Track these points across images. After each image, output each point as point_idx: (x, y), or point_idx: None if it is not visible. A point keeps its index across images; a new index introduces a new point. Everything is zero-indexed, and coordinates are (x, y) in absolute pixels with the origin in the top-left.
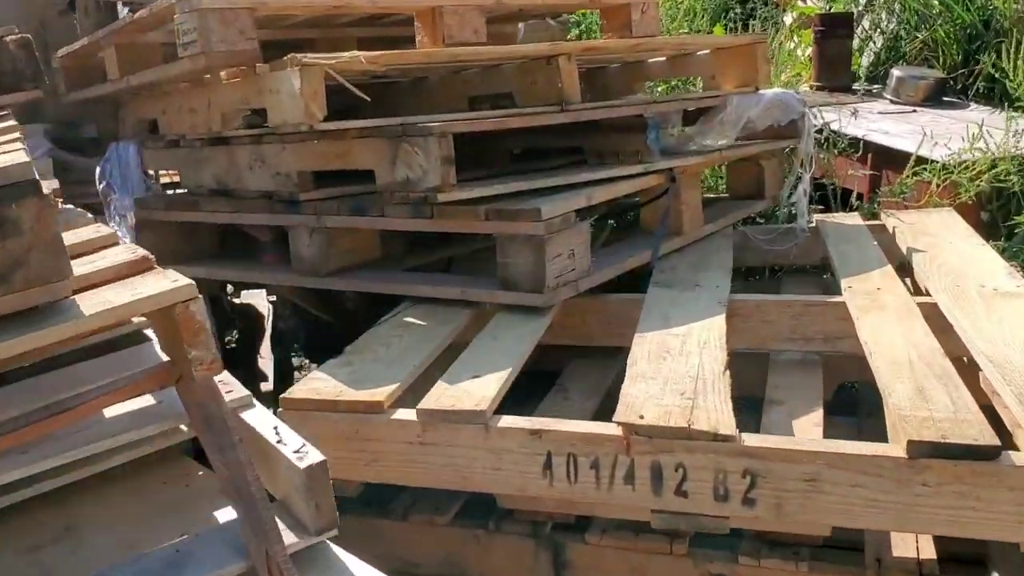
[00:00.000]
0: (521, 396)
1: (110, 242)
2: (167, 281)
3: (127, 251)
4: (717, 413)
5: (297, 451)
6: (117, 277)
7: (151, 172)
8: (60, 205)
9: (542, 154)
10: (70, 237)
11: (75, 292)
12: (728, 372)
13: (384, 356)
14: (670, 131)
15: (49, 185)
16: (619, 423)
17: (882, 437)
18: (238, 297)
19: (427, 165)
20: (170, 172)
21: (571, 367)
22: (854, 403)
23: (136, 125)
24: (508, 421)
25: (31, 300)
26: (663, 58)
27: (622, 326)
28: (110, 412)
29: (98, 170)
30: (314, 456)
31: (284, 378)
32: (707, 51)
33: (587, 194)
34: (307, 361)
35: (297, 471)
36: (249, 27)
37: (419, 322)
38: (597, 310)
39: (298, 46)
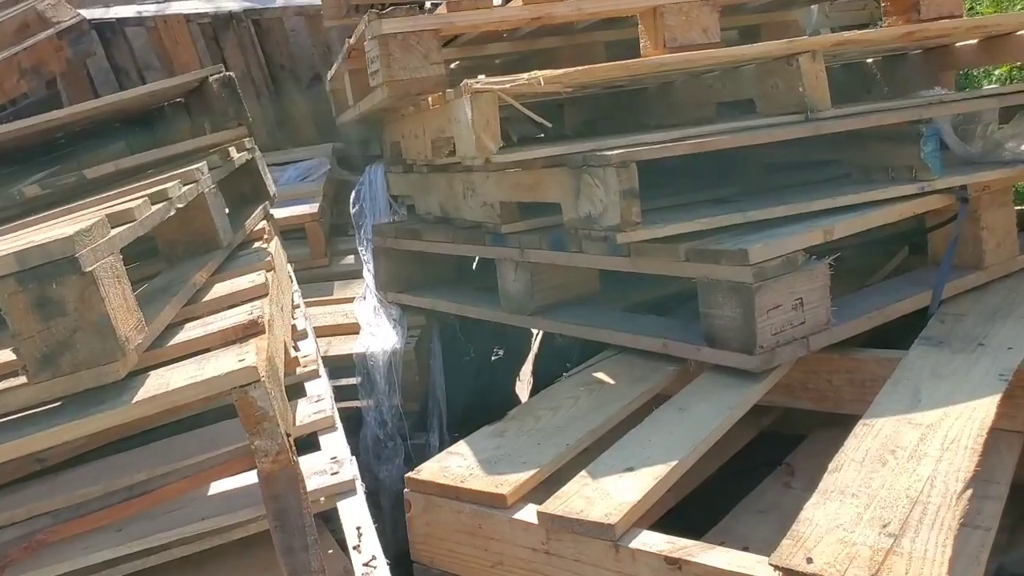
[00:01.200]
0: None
1: (257, 294)
2: (233, 361)
3: (246, 313)
4: (923, 564)
5: (367, 563)
6: (217, 344)
7: (398, 196)
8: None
9: (801, 164)
10: (224, 287)
11: (158, 365)
12: (968, 493)
13: (545, 425)
14: (977, 135)
15: (308, 208)
16: (776, 566)
17: None
18: None
19: (607, 200)
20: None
21: (809, 440)
22: None
23: (390, 148)
24: (644, 541)
25: (79, 384)
26: (974, 40)
27: (879, 391)
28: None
29: (353, 193)
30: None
31: None
32: None
33: (826, 226)
34: None
35: None
36: (434, 50)
37: (608, 379)
38: (847, 369)
39: (539, 58)
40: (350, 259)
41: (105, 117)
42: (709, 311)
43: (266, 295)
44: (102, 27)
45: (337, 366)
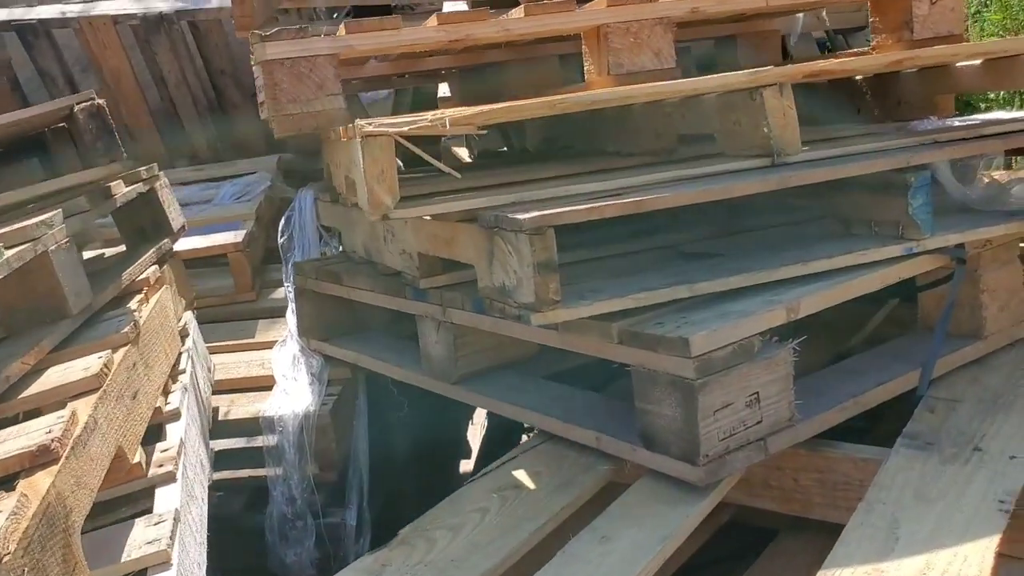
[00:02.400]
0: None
1: (86, 388)
2: None
3: (43, 431)
4: None
5: None
6: None
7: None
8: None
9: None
10: (55, 375)
11: None
12: None
13: (437, 556)
14: (980, 169)
15: (232, 236)
16: None
17: None
18: None
19: (520, 272)
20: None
21: (770, 552)
22: None
23: (325, 169)
24: None
25: None
26: (978, 62)
27: (852, 497)
28: None
29: (283, 220)
30: None
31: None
32: None
33: (789, 303)
34: None
35: None
36: (331, 79)
37: (528, 483)
38: (817, 468)
39: (487, 72)
40: (282, 292)
41: None
42: (646, 406)
43: (98, 389)
44: (23, 29)
45: (242, 430)
